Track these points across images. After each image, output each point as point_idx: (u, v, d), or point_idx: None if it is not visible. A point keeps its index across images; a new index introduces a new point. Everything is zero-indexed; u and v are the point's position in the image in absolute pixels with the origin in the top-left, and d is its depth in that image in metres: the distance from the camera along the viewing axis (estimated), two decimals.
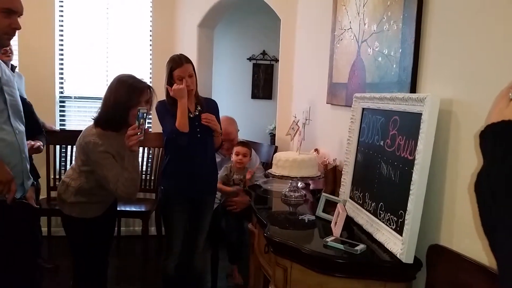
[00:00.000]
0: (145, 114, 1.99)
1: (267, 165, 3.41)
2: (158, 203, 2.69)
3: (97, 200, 2.19)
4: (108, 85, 2.15)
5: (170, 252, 2.57)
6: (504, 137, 0.52)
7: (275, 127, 4.12)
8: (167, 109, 2.48)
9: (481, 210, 0.53)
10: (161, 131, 3.91)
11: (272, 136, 5.18)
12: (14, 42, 3.87)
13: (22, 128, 1.90)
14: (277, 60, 5.28)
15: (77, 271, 2.30)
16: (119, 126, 2.07)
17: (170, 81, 2.45)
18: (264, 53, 5.68)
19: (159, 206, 2.69)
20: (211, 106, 2.62)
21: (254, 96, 5.77)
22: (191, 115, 2.50)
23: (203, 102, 2.59)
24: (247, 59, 5.70)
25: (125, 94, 2.05)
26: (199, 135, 2.52)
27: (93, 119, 2.14)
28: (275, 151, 3.45)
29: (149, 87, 2.17)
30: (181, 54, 2.53)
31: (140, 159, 3.83)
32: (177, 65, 2.42)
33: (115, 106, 2.06)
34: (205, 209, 2.64)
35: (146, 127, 2.03)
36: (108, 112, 2.08)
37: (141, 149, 3.88)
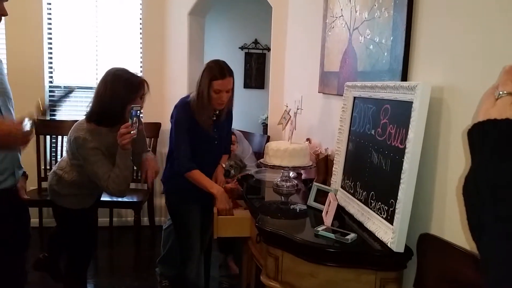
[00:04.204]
0: (138, 112, 1.95)
1: (260, 155, 3.40)
2: (169, 207, 2.54)
3: (90, 192, 2.20)
4: (101, 79, 2.06)
5: (189, 257, 2.43)
6: (490, 136, 0.52)
7: (267, 117, 4.10)
8: (186, 118, 2.29)
9: (468, 213, 0.53)
10: (154, 121, 3.92)
11: (265, 125, 5.17)
12: (1, 31, 3.80)
13: (12, 116, 1.88)
14: (269, 49, 5.24)
15: (68, 262, 2.30)
16: (114, 122, 2.01)
17: (209, 90, 2.23)
18: (256, 41, 5.64)
19: (171, 211, 2.54)
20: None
21: (246, 85, 5.74)
22: (213, 129, 2.38)
23: (224, 110, 2.40)
24: (239, 48, 5.66)
25: (123, 90, 1.98)
26: (216, 142, 2.41)
27: (85, 115, 2.08)
28: (268, 141, 3.44)
29: (144, 80, 2.11)
30: (223, 63, 2.29)
31: None
32: (218, 77, 2.21)
33: (112, 102, 1.98)
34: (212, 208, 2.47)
35: (139, 125, 1.99)
36: (103, 107, 2.01)
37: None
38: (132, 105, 1.95)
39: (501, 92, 0.54)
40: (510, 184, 0.47)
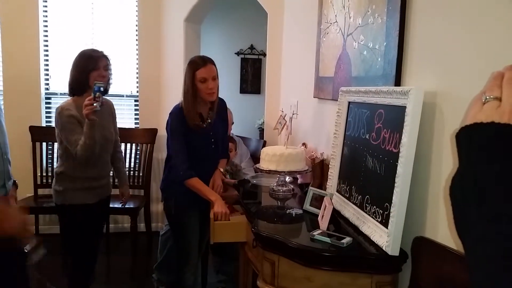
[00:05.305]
0: (101, 88, 2.17)
1: (257, 159, 3.41)
2: (168, 214, 2.56)
3: (83, 186, 2.29)
4: None
5: (187, 263, 2.44)
6: (476, 139, 0.53)
7: (263, 122, 4.12)
8: (181, 126, 2.31)
9: (454, 214, 0.54)
10: (149, 127, 3.93)
11: (261, 130, 5.18)
12: None
13: (3, 129, 1.89)
14: (265, 54, 5.27)
15: (71, 264, 2.39)
16: (82, 90, 2.28)
17: (194, 86, 2.26)
18: (252, 47, 5.66)
19: (170, 218, 2.56)
20: (221, 109, 2.47)
21: (243, 90, 5.76)
22: (204, 125, 2.37)
23: (215, 106, 2.42)
24: (235, 53, 5.68)
25: (84, 62, 2.30)
26: (213, 146, 2.41)
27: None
28: (264, 146, 3.45)
29: (105, 55, 2.35)
30: (202, 55, 2.36)
31: (127, 155, 3.84)
32: (200, 65, 2.25)
33: (77, 73, 2.30)
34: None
35: (103, 100, 2.22)
36: (73, 79, 2.32)
37: (128, 145, 3.87)
38: (95, 81, 2.19)
39: (487, 97, 0.55)
40: (494, 186, 0.49)
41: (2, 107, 1.96)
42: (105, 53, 2.36)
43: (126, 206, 3.53)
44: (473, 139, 0.54)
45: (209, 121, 2.39)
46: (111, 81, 2.42)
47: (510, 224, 0.46)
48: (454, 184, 0.55)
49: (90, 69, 2.27)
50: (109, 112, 2.49)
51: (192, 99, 2.28)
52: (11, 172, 1.98)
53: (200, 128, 2.34)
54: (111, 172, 2.62)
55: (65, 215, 2.33)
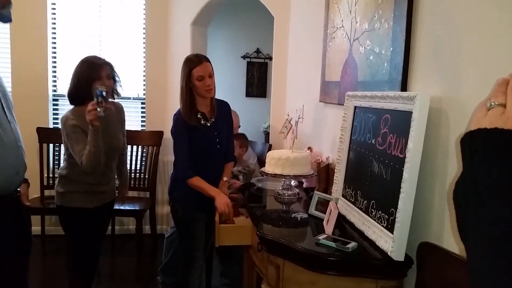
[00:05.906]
0: (103, 92, 2.10)
1: (262, 163, 3.42)
2: (175, 217, 2.54)
3: (85, 190, 2.26)
4: None
5: (192, 265, 2.43)
6: (479, 144, 0.54)
7: (269, 125, 4.12)
8: (182, 127, 2.33)
9: (457, 217, 0.55)
10: (155, 130, 3.95)
11: (267, 134, 5.19)
12: (6, 41, 3.85)
13: (14, 118, 1.91)
14: (271, 58, 5.28)
15: (71, 265, 2.38)
16: (83, 100, 2.19)
17: (189, 84, 2.29)
18: (258, 51, 5.68)
19: (176, 220, 2.55)
20: (225, 111, 2.49)
21: (249, 94, 5.77)
22: (208, 124, 2.37)
23: (216, 107, 2.43)
24: (241, 57, 5.70)
25: (86, 70, 2.23)
26: (218, 146, 2.41)
27: None
28: (269, 149, 3.46)
29: (107, 63, 2.29)
30: (198, 53, 2.39)
31: (133, 158, 3.86)
32: (196, 63, 2.27)
33: (78, 82, 2.23)
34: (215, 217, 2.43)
35: (107, 104, 2.13)
36: (72, 88, 2.27)
37: (134, 147, 3.89)
38: (97, 86, 2.12)
39: (492, 103, 0.56)
40: (493, 189, 0.50)
41: (11, 99, 1.96)
42: (108, 60, 2.30)
43: (132, 208, 3.57)
44: (476, 145, 0.54)
45: (213, 119, 2.40)
46: (120, 83, 2.38)
47: (510, 227, 0.47)
48: (457, 187, 0.56)
49: (92, 79, 2.20)
50: (118, 117, 2.43)
51: (189, 97, 2.31)
52: (25, 160, 1.97)
53: (203, 127, 2.35)
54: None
55: (65, 217, 2.31)
